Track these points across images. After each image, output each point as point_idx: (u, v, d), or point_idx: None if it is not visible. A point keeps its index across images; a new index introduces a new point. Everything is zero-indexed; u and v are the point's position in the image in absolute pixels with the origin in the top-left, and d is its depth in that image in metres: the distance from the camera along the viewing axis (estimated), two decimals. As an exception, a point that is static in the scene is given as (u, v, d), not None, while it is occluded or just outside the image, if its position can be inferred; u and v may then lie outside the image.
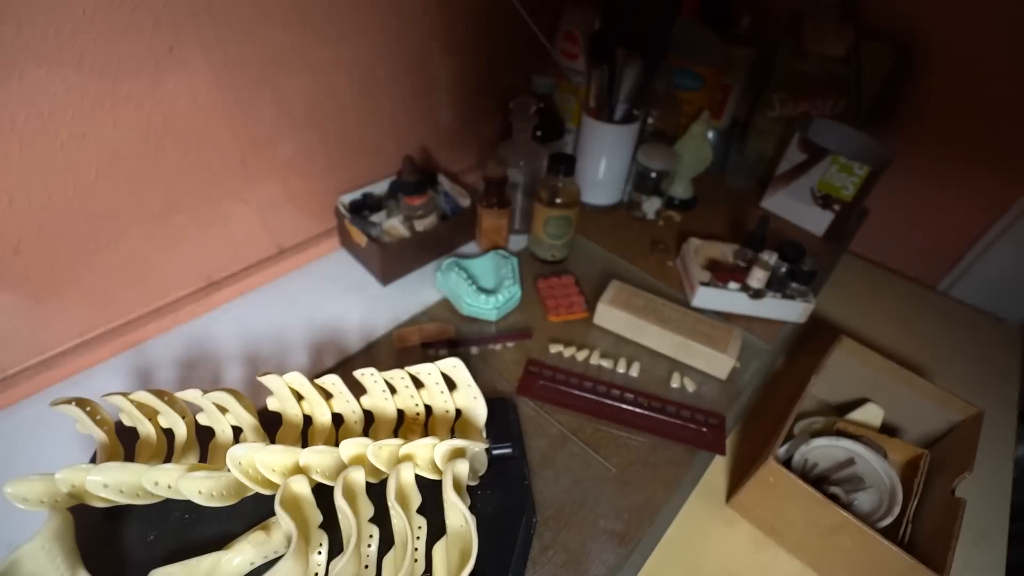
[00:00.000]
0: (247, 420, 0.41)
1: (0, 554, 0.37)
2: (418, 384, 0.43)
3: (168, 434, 0.42)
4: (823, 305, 0.71)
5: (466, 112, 0.79)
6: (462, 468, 0.36)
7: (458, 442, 0.37)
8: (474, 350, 0.58)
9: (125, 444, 0.41)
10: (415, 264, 0.66)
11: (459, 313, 0.62)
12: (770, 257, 0.64)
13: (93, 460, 0.42)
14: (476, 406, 0.42)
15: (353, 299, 0.63)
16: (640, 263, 0.73)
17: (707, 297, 0.66)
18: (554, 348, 0.59)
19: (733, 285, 0.65)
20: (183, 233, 0.56)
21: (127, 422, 0.41)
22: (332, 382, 0.41)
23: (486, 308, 0.60)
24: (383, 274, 0.64)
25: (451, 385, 0.43)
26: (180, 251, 0.57)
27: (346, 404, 0.42)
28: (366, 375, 0.41)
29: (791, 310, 0.66)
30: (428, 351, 0.57)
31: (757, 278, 0.64)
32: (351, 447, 0.36)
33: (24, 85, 0.40)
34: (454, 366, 0.41)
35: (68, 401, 0.39)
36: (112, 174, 0.48)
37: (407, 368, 0.42)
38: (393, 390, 0.43)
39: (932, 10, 0.72)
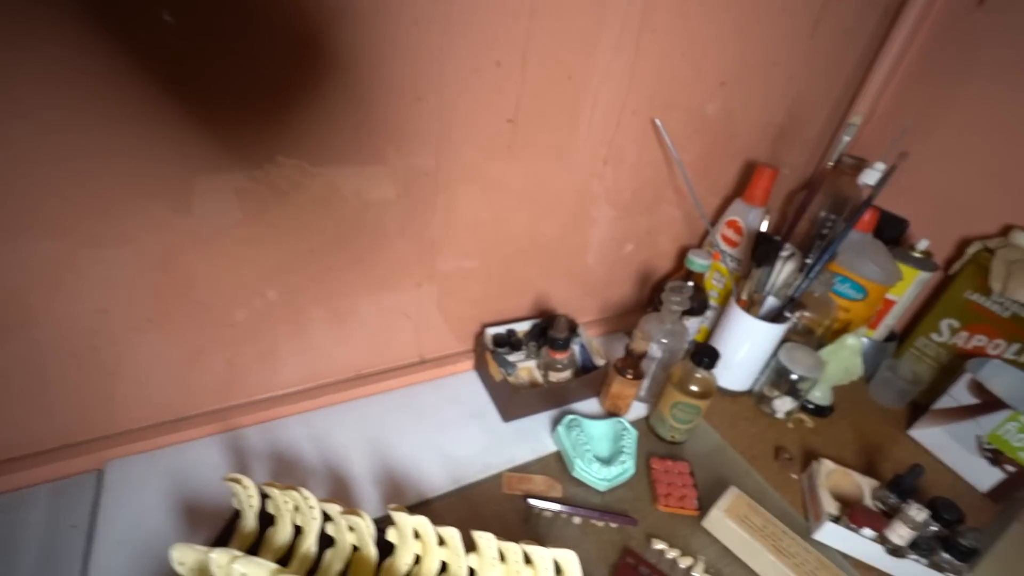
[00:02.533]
0: (366, 547, 0.44)
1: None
2: (527, 560, 0.44)
3: (296, 530, 0.47)
4: (978, 585, 0.61)
5: (611, 269, 0.84)
6: None
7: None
8: (576, 519, 0.58)
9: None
10: (538, 409, 0.69)
11: (569, 472, 0.63)
12: (919, 513, 0.57)
13: (226, 531, 0.47)
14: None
15: (473, 427, 0.66)
16: (760, 467, 0.69)
17: (833, 535, 0.60)
18: (657, 544, 0.57)
19: (868, 532, 0.59)
20: (351, 332, 0.65)
21: (271, 511, 0.47)
22: (451, 535, 0.44)
23: (597, 478, 0.60)
24: (507, 411, 0.67)
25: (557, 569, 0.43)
26: (343, 344, 0.66)
27: (455, 558, 0.44)
28: (483, 537, 0.43)
29: (937, 583, 0.57)
30: (532, 505, 0.58)
31: (899, 534, 0.57)
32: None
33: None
34: (569, 559, 0.41)
35: (237, 480, 0.45)
36: (305, 265, 0.58)
37: (523, 544, 0.43)
38: (503, 557, 0.44)
39: None
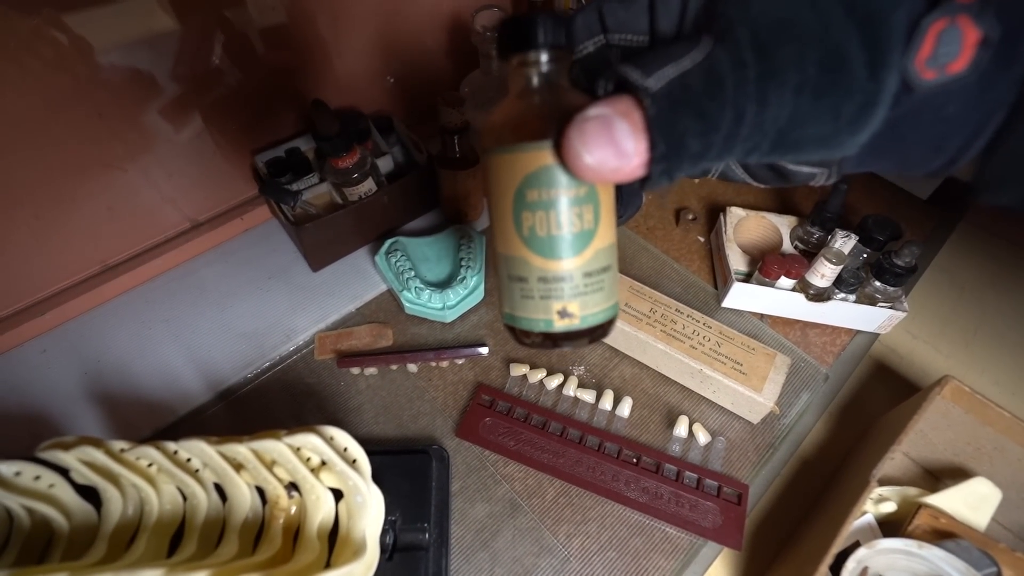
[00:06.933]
0: (50, 512, 0.29)
1: None
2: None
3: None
4: (919, 304, 0.51)
5: (434, 43, 0.60)
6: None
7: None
8: (412, 367, 0.44)
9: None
10: (355, 243, 0.52)
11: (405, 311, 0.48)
12: (845, 243, 0.44)
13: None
14: (360, 496, 0.28)
15: (273, 291, 0.50)
16: (658, 238, 0.55)
17: (743, 297, 0.47)
18: (517, 369, 0.44)
19: (785, 282, 0.46)
20: (84, 215, 0.44)
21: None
22: (147, 454, 0.29)
23: (433, 308, 0.45)
24: (312, 256, 0.50)
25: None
26: (65, 231, 0.46)
27: (183, 479, 0.30)
28: (191, 446, 0.28)
29: (868, 318, 0.46)
30: (349, 367, 0.44)
31: (821, 273, 0.44)
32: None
33: None
34: (313, 446, 0.27)
35: None
36: None
37: (249, 444, 0.28)
38: (239, 465, 0.30)
39: None
